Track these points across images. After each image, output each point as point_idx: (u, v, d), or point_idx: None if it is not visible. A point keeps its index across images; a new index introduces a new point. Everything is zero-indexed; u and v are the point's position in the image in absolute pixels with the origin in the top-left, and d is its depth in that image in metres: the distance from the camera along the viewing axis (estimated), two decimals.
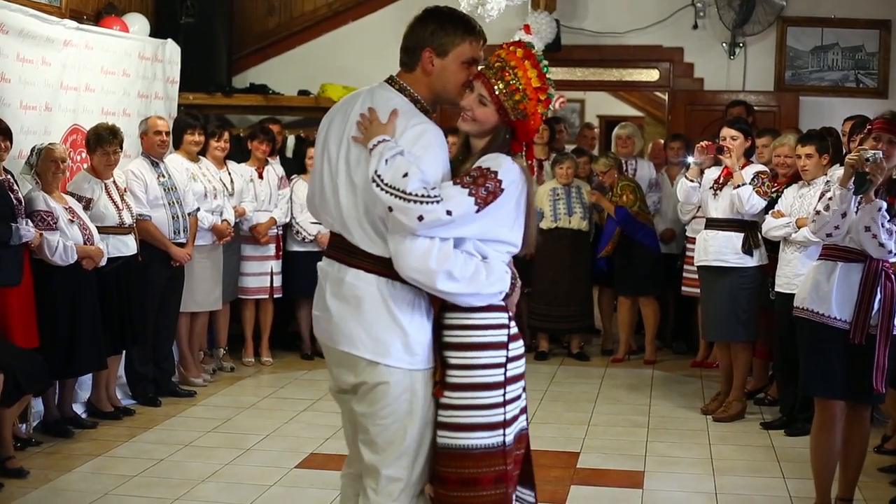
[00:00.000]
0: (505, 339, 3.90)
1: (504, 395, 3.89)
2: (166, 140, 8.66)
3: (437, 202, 3.71)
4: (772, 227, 7.89)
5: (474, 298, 3.84)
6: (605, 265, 10.38)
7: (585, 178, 10.61)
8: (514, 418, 3.97)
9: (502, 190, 3.79)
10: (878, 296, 5.60)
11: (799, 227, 7.66)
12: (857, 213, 5.54)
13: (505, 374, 3.89)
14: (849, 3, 11.25)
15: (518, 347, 3.98)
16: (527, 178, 3.94)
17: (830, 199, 5.59)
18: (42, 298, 7.26)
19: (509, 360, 3.91)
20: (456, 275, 3.76)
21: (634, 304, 10.48)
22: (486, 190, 3.77)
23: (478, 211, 3.75)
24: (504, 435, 3.89)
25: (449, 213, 3.72)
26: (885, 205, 5.52)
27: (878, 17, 11.24)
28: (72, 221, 7.43)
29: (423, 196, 3.71)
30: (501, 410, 3.88)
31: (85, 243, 7.49)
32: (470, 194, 3.75)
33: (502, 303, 3.93)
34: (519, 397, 4.01)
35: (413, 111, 4.03)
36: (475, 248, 3.86)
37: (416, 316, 3.91)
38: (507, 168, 3.85)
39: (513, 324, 3.99)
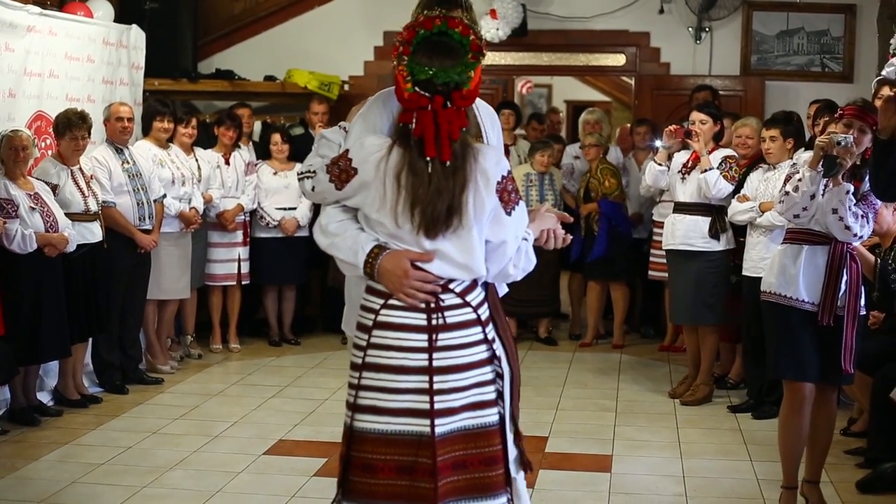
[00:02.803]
0: (369, 323, 3.79)
1: (358, 378, 3.79)
2: (129, 126, 8.60)
3: (309, 178, 3.99)
4: (737, 211, 7.94)
5: (339, 263, 3.90)
6: (579, 251, 10.35)
7: (555, 164, 10.62)
8: (373, 409, 3.75)
9: (354, 169, 3.77)
10: (845, 277, 5.64)
11: (763, 212, 7.70)
12: (823, 195, 5.59)
13: (363, 358, 3.79)
14: None
15: (389, 338, 3.75)
16: (398, 151, 3.72)
17: (800, 180, 5.64)
18: (6, 285, 7.21)
19: (370, 345, 3.78)
20: (323, 225, 3.89)
21: (604, 288, 10.50)
22: (338, 168, 3.82)
23: (338, 188, 3.82)
24: (351, 418, 3.81)
25: (313, 188, 3.97)
26: (852, 188, 5.58)
27: (843, 1, 11.28)
28: (33, 209, 7.37)
29: (300, 173, 4.09)
30: (353, 392, 3.81)
31: (48, 230, 7.43)
32: (327, 171, 3.85)
33: (377, 286, 3.79)
34: (370, 388, 3.77)
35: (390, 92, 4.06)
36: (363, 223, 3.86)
37: (359, 288, 3.94)
38: (357, 146, 3.83)
39: (392, 314, 3.76)
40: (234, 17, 12.03)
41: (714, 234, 8.18)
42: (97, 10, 9.61)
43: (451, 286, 3.76)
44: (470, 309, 3.79)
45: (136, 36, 9.71)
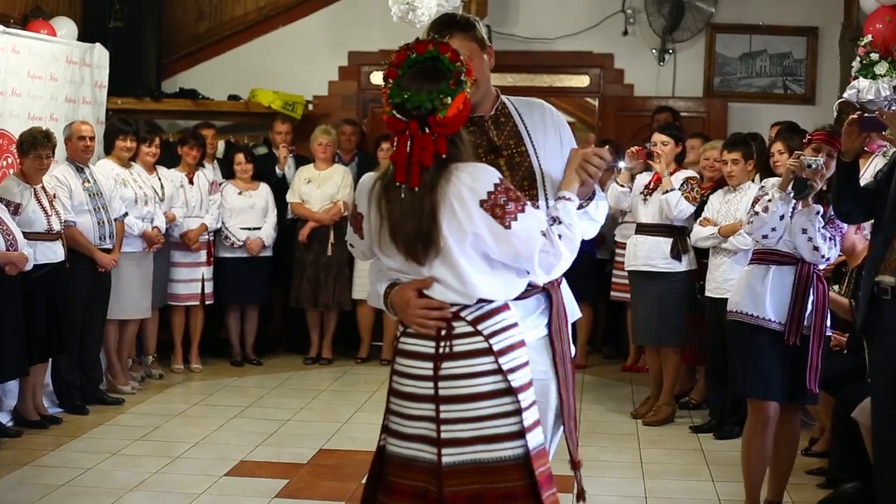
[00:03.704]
0: (395, 350, 3.86)
1: (388, 402, 3.84)
2: (90, 145, 8.56)
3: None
4: (700, 236, 7.97)
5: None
6: None
7: None
8: (395, 433, 3.79)
9: (360, 213, 3.82)
10: (811, 297, 5.72)
11: (723, 236, 7.74)
12: (792, 217, 5.71)
13: (390, 383, 3.83)
14: (777, 11, 11.35)
15: (403, 365, 3.78)
16: (377, 179, 3.77)
17: (770, 201, 5.73)
18: None
19: (392, 371, 3.82)
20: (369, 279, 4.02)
21: None
22: (353, 217, 3.88)
23: (361, 237, 3.87)
24: (383, 440, 3.85)
25: (351, 245, 4.01)
26: (821, 209, 5.69)
27: (805, 24, 11.35)
28: None
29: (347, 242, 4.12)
30: (384, 415, 3.86)
31: (8, 249, 7.37)
32: (350, 225, 3.93)
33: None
34: (393, 412, 3.81)
35: None
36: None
37: None
38: (357, 189, 3.91)
39: (407, 341, 3.78)
40: (199, 36, 11.99)
41: (676, 254, 8.20)
42: (60, 29, 9.60)
43: (463, 314, 3.70)
44: (481, 338, 3.69)
45: (99, 54, 9.68)
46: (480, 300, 3.70)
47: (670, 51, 11.55)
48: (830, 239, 5.73)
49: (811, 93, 11.40)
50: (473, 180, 3.63)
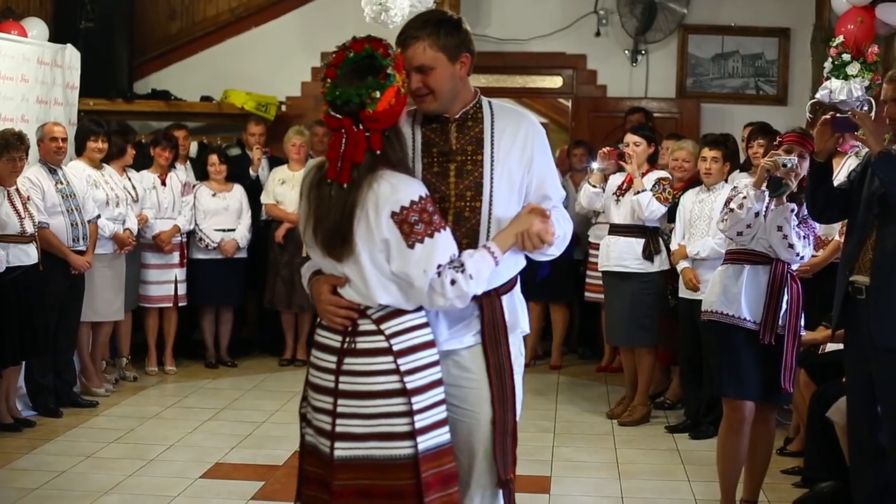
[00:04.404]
0: None
1: (304, 391, 3.97)
2: (62, 146, 8.50)
3: None
4: (682, 267, 7.99)
5: None
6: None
7: None
8: (308, 422, 3.92)
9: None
10: (785, 297, 5.75)
11: (678, 259, 7.85)
12: (766, 217, 5.73)
13: (307, 374, 3.95)
14: (749, 12, 11.41)
15: (314, 357, 3.90)
16: (315, 167, 3.87)
17: (744, 198, 5.75)
18: None
19: (309, 363, 3.97)
20: None
21: (544, 309, 10.50)
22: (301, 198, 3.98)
23: None
24: (302, 429, 3.96)
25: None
26: (795, 207, 5.72)
27: (777, 25, 11.41)
28: None
29: None
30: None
31: None
32: (300, 203, 3.99)
33: None
34: (312, 406, 3.90)
35: None
36: None
37: None
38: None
39: (320, 333, 3.91)
40: (171, 37, 11.95)
41: (648, 255, 8.22)
42: (31, 30, 9.53)
43: (369, 312, 3.76)
44: (382, 337, 3.73)
45: (71, 55, 9.62)
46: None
47: (643, 52, 11.59)
48: (804, 238, 5.76)
49: (783, 93, 11.46)
50: (392, 191, 3.65)
